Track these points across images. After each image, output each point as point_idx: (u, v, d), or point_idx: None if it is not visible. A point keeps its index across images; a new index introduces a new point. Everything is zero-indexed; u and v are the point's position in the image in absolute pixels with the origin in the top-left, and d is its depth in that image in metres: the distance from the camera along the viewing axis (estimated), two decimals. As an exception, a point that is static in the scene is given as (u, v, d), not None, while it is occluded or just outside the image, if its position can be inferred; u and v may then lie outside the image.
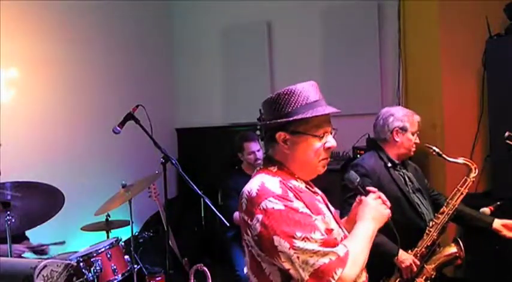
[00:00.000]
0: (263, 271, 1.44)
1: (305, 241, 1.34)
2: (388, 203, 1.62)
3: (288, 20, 4.85)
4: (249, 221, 1.42)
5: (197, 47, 5.35)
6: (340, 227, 1.57)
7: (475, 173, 2.42)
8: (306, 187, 1.55)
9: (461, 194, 2.41)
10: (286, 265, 1.35)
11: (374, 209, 1.56)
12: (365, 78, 4.38)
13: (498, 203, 2.43)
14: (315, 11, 4.67)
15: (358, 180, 1.65)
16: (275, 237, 1.35)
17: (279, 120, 1.48)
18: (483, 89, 3.59)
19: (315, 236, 1.35)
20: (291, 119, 1.46)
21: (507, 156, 2.59)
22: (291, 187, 1.46)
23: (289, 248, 1.34)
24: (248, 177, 3.92)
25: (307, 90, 1.51)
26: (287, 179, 1.50)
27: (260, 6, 4.92)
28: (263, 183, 1.45)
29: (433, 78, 3.87)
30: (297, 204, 1.40)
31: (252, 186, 1.46)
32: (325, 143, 1.51)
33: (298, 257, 1.33)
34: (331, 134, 1.53)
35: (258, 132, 3.43)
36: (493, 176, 3.53)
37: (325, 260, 1.32)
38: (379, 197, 1.61)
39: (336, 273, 1.32)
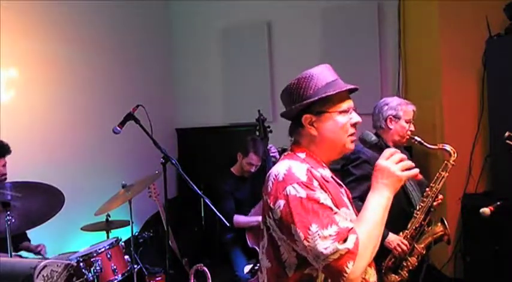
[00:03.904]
0: (280, 256, 1.46)
1: (318, 237, 1.33)
2: (408, 162, 1.47)
3: (288, 20, 4.85)
4: (271, 205, 1.43)
5: (197, 47, 5.34)
6: None
7: (454, 157, 2.56)
8: (332, 177, 1.55)
9: (443, 177, 2.57)
10: (304, 253, 1.38)
11: (387, 173, 1.45)
12: (365, 78, 4.37)
13: (498, 203, 2.43)
14: (315, 11, 4.67)
15: (373, 138, 1.59)
16: (292, 226, 1.36)
17: (303, 103, 1.51)
18: (483, 89, 3.59)
19: (330, 231, 1.33)
20: (316, 98, 1.49)
21: (507, 156, 2.59)
22: (318, 176, 1.45)
23: (303, 239, 1.34)
24: (238, 179, 3.95)
25: (325, 71, 1.56)
26: (315, 167, 1.50)
27: (260, 6, 4.92)
28: (290, 167, 1.45)
29: (433, 78, 3.87)
30: (320, 195, 1.39)
31: (279, 170, 1.46)
32: (350, 119, 1.53)
33: (310, 250, 1.34)
34: (354, 111, 1.56)
35: (257, 133, 3.43)
36: (493, 176, 3.54)
37: (335, 256, 1.31)
38: (392, 155, 1.48)
39: (347, 267, 1.31)
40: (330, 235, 1.32)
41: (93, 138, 4.18)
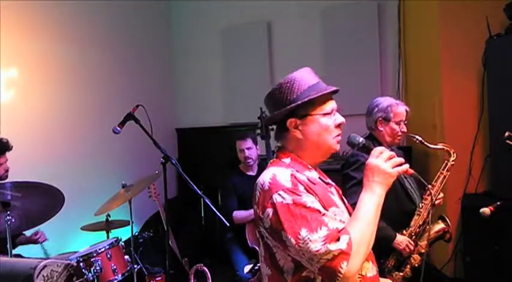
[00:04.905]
0: (277, 262, 1.47)
1: (308, 241, 1.34)
2: (397, 158, 1.49)
3: (288, 20, 4.85)
4: (260, 214, 1.45)
5: (197, 47, 5.35)
6: None
7: (453, 157, 2.65)
8: (320, 178, 1.57)
9: (444, 176, 2.65)
10: (297, 258, 1.39)
11: (377, 170, 1.47)
12: (365, 78, 4.38)
13: (498, 203, 2.43)
14: (315, 11, 4.67)
15: (361, 140, 1.60)
16: (283, 233, 1.38)
17: (287, 107, 1.52)
18: (483, 89, 3.58)
19: (320, 234, 1.34)
20: (300, 102, 1.51)
21: (507, 156, 2.59)
22: (303, 180, 1.47)
23: (295, 245, 1.36)
24: (245, 177, 3.93)
25: (306, 75, 1.58)
26: (301, 170, 1.52)
27: (260, 6, 4.93)
28: (274, 175, 1.46)
29: (433, 78, 3.87)
30: (306, 198, 1.40)
31: (264, 179, 1.48)
32: (334, 120, 1.55)
33: (304, 254, 1.35)
34: (338, 112, 1.57)
35: (258, 131, 3.43)
36: (493, 176, 3.53)
37: (329, 256, 1.33)
38: (382, 153, 1.50)
39: (341, 267, 1.33)
40: (320, 237, 1.34)
41: (93, 138, 4.18)
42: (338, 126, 1.56)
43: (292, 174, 1.46)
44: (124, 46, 4.68)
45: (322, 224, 1.36)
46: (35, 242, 3.16)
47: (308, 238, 1.34)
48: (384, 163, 1.47)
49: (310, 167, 1.56)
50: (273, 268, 1.49)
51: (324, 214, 1.40)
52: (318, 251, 1.33)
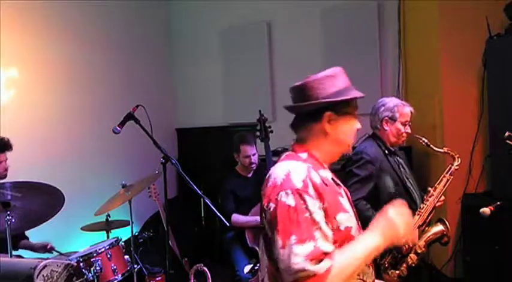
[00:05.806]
0: (273, 255, 1.46)
1: (292, 251, 1.33)
2: (411, 226, 1.51)
3: (288, 20, 4.85)
4: (265, 206, 1.46)
5: (197, 47, 5.35)
6: (358, 224, 1.58)
7: (458, 162, 2.71)
8: (332, 178, 1.57)
9: (447, 179, 2.69)
10: (277, 261, 1.38)
11: (387, 224, 1.47)
12: (365, 78, 4.37)
13: (498, 203, 2.43)
14: (315, 11, 4.67)
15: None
16: (275, 231, 1.39)
17: (333, 99, 1.51)
18: (483, 89, 3.58)
19: (305, 247, 1.33)
20: (349, 97, 1.53)
21: (507, 156, 2.59)
22: (316, 182, 1.45)
23: (280, 248, 1.36)
24: (243, 179, 3.92)
25: (343, 74, 1.60)
26: (316, 168, 1.51)
27: (260, 6, 4.92)
28: (289, 172, 1.46)
29: (433, 78, 3.87)
30: (310, 206, 1.39)
31: (279, 173, 1.48)
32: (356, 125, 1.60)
33: (283, 260, 1.35)
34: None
35: (257, 133, 3.43)
36: (493, 176, 3.53)
37: (303, 274, 1.32)
38: (404, 214, 1.51)
39: None
40: (303, 253, 1.32)
41: (93, 138, 4.18)
42: (356, 131, 1.61)
43: (308, 172, 1.46)
44: (124, 46, 4.68)
45: (311, 238, 1.35)
46: (46, 251, 3.15)
47: (293, 247, 1.33)
48: (401, 225, 1.47)
49: (324, 165, 1.57)
50: (270, 260, 1.49)
51: (319, 228, 1.38)
52: (295, 264, 1.32)
